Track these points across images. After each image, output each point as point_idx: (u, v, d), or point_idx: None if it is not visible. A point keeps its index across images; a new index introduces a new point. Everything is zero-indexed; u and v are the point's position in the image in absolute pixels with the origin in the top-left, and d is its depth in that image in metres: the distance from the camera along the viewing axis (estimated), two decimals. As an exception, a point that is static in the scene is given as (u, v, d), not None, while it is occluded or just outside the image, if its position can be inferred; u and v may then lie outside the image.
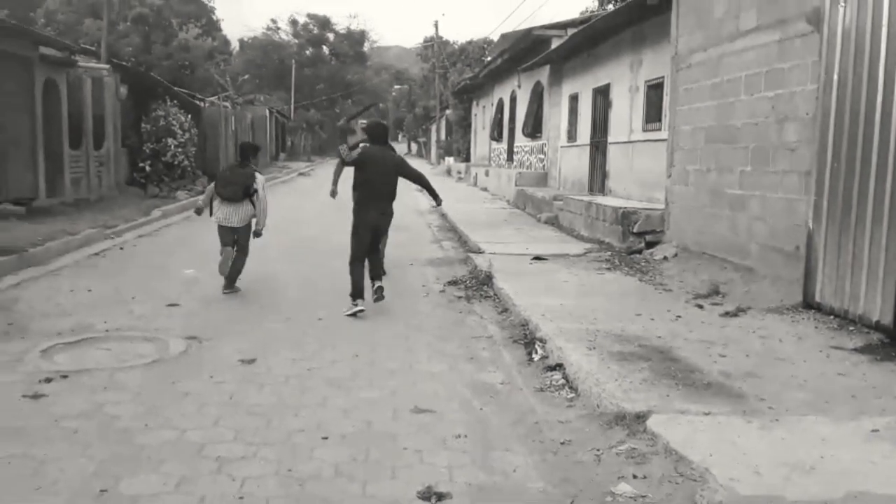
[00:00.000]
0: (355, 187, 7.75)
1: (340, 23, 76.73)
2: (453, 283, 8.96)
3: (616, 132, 14.78)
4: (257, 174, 8.37)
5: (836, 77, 6.47)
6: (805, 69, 7.12)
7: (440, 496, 3.52)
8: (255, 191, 8.21)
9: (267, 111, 41.28)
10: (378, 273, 7.88)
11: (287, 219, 12.84)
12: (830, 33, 6.56)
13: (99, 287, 8.29)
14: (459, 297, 8.23)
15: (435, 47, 52.99)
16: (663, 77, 11.97)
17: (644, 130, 13.19)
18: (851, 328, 6.14)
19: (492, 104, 28.49)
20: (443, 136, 49.30)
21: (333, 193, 9.18)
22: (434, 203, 8.74)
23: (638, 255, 10.12)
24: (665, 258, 9.55)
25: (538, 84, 20.90)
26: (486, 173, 26.01)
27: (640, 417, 4.23)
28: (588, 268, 9.49)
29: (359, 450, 4.03)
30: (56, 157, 14.98)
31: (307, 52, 72.54)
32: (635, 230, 10.70)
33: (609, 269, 9.42)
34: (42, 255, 9.82)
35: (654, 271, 9.07)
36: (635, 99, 13.64)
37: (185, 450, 3.98)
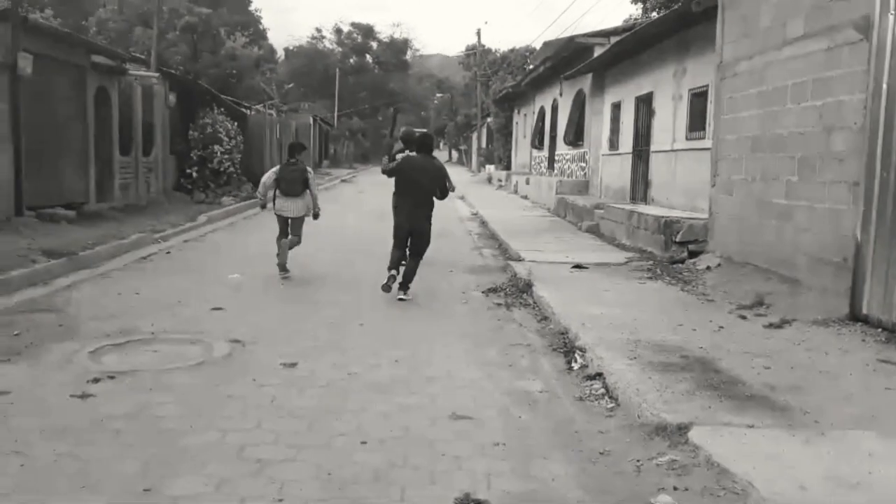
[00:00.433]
0: (397, 192, 8.72)
1: (384, 31, 77.05)
2: (493, 290, 8.96)
3: (659, 141, 14.65)
4: (308, 169, 9.66)
5: (885, 86, 6.34)
6: (853, 78, 6.98)
7: (478, 503, 3.52)
8: (309, 184, 9.53)
9: (311, 119, 41.76)
10: (407, 278, 8.41)
11: (330, 226, 12.97)
12: (880, 42, 6.43)
13: (146, 290, 8.47)
14: (499, 305, 8.23)
15: (477, 55, 53.06)
16: (707, 85, 11.84)
17: (687, 139, 13.05)
18: (901, 342, 6.00)
19: (533, 112, 28.45)
20: (483, 144, 49.34)
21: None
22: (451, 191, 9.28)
23: (680, 265, 10.01)
24: (708, 268, 9.43)
25: (580, 92, 20.82)
26: (527, 181, 25.96)
27: (682, 429, 4.19)
28: (629, 277, 9.42)
29: (398, 455, 4.06)
30: (106, 163, 15.36)
31: (351, 61, 73.29)
32: (678, 239, 10.58)
33: (651, 278, 9.33)
34: (92, 258, 10.07)
35: (697, 281, 8.96)
36: (679, 107, 13.51)
37: (227, 451, 4.05)
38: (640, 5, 28.65)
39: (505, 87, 35.68)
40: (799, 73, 7.94)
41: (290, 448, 4.11)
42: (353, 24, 74.56)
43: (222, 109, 22.02)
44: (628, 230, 12.72)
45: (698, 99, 12.61)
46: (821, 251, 7.48)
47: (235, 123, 22.13)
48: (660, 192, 14.46)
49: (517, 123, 34.47)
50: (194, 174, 20.50)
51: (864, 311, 6.56)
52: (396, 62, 74.97)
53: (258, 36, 46.13)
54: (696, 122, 12.67)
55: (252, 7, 51.18)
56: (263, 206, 10.04)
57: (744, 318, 7.11)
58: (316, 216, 9.77)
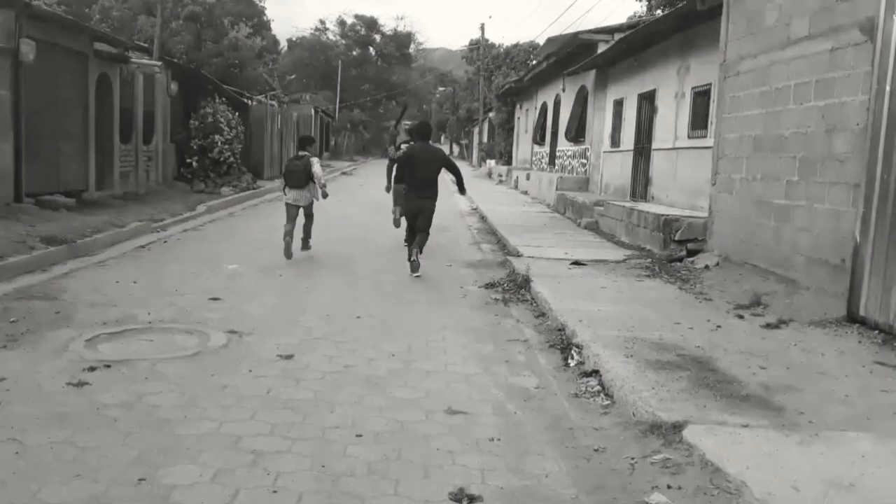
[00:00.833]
0: (400, 179, 10.11)
1: (387, 24, 76.76)
2: (491, 285, 8.96)
3: (660, 138, 14.63)
4: (312, 159, 10.35)
5: (888, 88, 6.32)
6: (856, 79, 6.97)
7: (472, 498, 3.52)
8: (313, 174, 10.21)
9: (312, 110, 41.70)
10: (419, 245, 9.53)
11: (330, 218, 12.95)
12: (884, 43, 6.41)
13: (144, 279, 8.47)
14: (497, 300, 8.23)
15: (480, 50, 52.93)
16: (710, 84, 11.83)
17: (689, 137, 13.04)
18: (897, 344, 6.01)
19: (535, 108, 28.41)
20: (485, 139, 49.27)
21: (388, 189, 12.12)
22: (459, 193, 11.06)
23: (679, 263, 10.01)
24: (706, 267, 9.43)
25: (583, 88, 20.79)
26: (527, 177, 25.94)
27: (677, 427, 4.19)
28: (627, 274, 9.42)
29: (392, 449, 4.06)
30: (107, 151, 15.32)
31: (354, 53, 73.07)
32: (677, 238, 10.58)
33: (649, 276, 9.33)
34: (90, 246, 10.07)
35: (695, 280, 8.96)
36: (681, 105, 13.49)
37: (222, 442, 4.05)
38: (644, 3, 28.62)
39: (507, 82, 35.59)
40: (802, 74, 7.93)
41: (285, 440, 4.11)
42: (356, 17, 74.32)
43: (224, 99, 21.97)
44: (628, 227, 12.72)
45: (701, 97, 12.60)
46: (819, 252, 7.48)
47: (237, 113, 22.09)
48: (660, 190, 14.45)
49: (519, 119, 34.44)
50: (194, 163, 20.46)
51: (862, 312, 6.56)
52: (399, 55, 74.77)
53: (262, 26, 45.95)
54: (699, 121, 12.66)
55: (256, -3, 51.02)
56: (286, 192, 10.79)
57: (741, 317, 7.12)
58: (325, 196, 10.44)
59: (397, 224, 11.49)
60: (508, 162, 36.45)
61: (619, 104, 17.77)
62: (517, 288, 8.68)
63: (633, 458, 3.98)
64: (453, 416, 4.63)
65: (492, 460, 3.98)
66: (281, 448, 4.01)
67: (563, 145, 22.96)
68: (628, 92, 16.99)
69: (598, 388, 5.19)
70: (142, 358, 5.51)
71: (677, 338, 6.21)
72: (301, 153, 10.50)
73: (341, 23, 74.24)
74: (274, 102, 31.90)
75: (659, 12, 24.69)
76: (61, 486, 3.50)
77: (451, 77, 76.07)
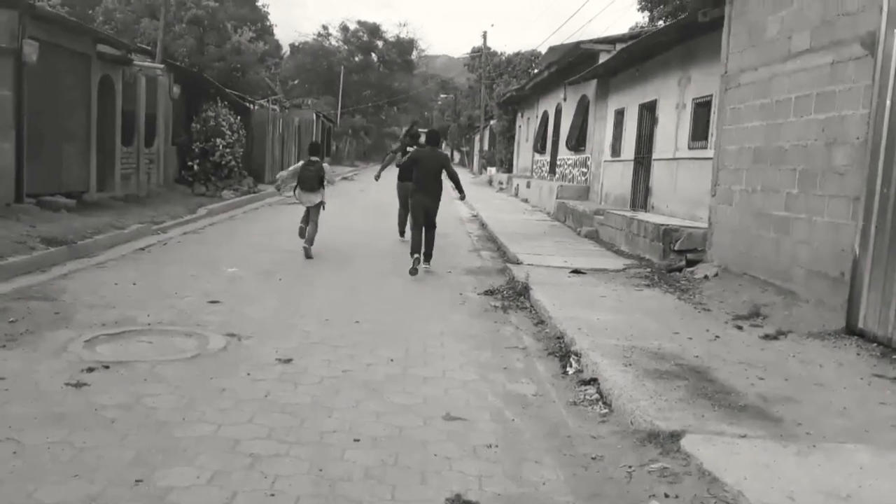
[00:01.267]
0: (405, 177, 11.91)
1: (390, 31, 76.98)
2: (490, 292, 8.97)
3: (661, 149, 14.66)
4: (324, 165, 11.54)
5: (888, 102, 6.34)
6: (857, 93, 7.00)
7: (468, 504, 3.53)
8: (324, 179, 11.40)
9: (314, 115, 41.73)
10: (428, 251, 10.45)
11: (332, 224, 12.95)
12: (885, 58, 6.44)
13: (143, 281, 8.47)
14: (496, 307, 8.23)
15: (482, 58, 53.04)
16: (711, 95, 11.86)
17: (690, 148, 13.06)
18: (895, 356, 6.01)
19: (536, 116, 28.46)
20: (486, 147, 49.33)
21: (377, 178, 14.19)
22: (459, 197, 11.89)
23: (678, 273, 10.02)
24: (706, 277, 9.44)
25: (584, 98, 20.84)
26: (528, 185, 25.97)
27: (674, 436, 4.20)
28: (627, 283, 9.43)
29: (389, 454, 4.06)
30: (108, 153, 15.36)
31: (356, 59, 73.27)
32: (676, 248, 10.59)
33: (648, 285, 9.34)
34: (90, 247, 10.08)
35: (694, 290, 8.97)
36: (682, 116, 13.52)
37: (220, 445, 4.05)
38: (646, 14, 28.68)
39: (509, 91, 35.67)
40: (803, 87, 7.96)
41: (283, 443, 4.12)
42: (359, 23, 74.57)
43: (226, 103, 22.03)
44: (627, 237, 12.73)
45: (702, 108, 12.63)
46: (818, 264, 7.50)
47: (238, 117, 22.13)
48: (660, 200, 14.47)
49: (520, 127, 34.49)
50: (196, 166, 20.50)
51: (860, 325, 6.56)
52: (401, 62, 74.98)
53: (265, 31, 46.08)
54: (699, 132, 12.68)
55: (260, 2, 51.11)
56: (279, 189, 12.11)
57: (740, 328, 7.12)
58: (322, 205, 11.53)
59: (402, 233, 12.72)
60: (509, 170, 36.50)
61: (620, 114, 17.81)
62: (516, 295, 8.69)
63: (630, 467, 3.99)
64: (451, 422, 4.63)
65: (489, 467, 3.99)
66: (278, 451, 4.01)
67: (564, 154, 22.99)
68: (629, 102, 17.02)
69: (597, 396, 5.19)
70: (140, 360, 5.51)
71: (676, 347, 6.21)
72: (313, 158, 11.52)
73: (344, 28, 74.52)
74: (276, 107, 31.91)
75: (661, 23, 24.76)
76: (58, 486, 3.50)
77: (453, 84, 76.28)
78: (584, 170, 20.63)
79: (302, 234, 11.46)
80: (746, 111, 9.25)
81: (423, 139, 12.31)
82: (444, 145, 79.14)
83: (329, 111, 57.03)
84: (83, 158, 14.40)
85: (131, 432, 4.15)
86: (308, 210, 11.45)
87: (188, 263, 9.94)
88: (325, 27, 79.17)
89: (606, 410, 4.93)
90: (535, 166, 28.79)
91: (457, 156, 75.59)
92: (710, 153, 11.02)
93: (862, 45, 6.92)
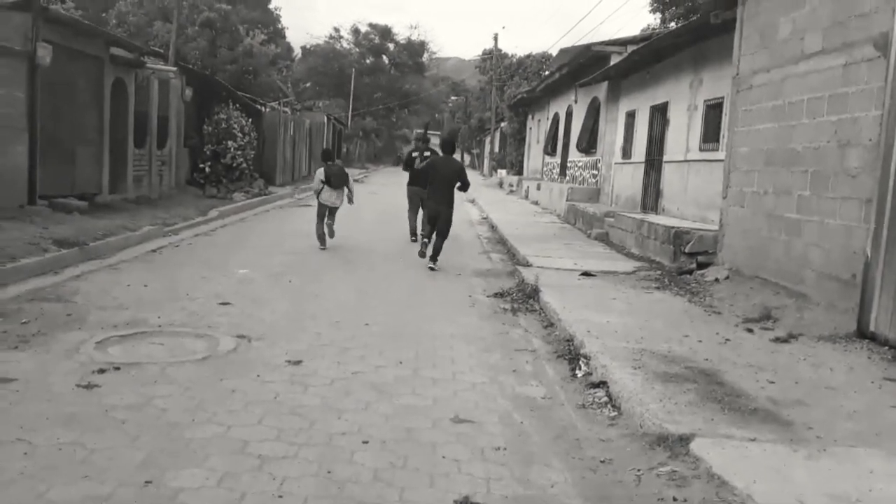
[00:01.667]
0: (415, 181, 12.96)
1: (401, 33, 77.23)
2: (500, 294, 8.96)
3: (672, 151, 14.62)
4: (346, 170, 12.57)
5: (901, 103, 6.31)
6: (870, 94, 6.96)
7: (476, 507, 3.53)
8: (349, 179, 12.39)
9: (325, 118, 41.85)
10: (435, 254, 10.70)
11: (343, 227, 12.96)
12: (898, 58, 6.40)
13: (155, 283, 8.52)
14: (505, 310, 8.23)
15: (493, 60, 53.06)
16: (723, 97, 11.82)
17: (701, 150, 13.02)
18: (908, 361, 5.97)
19: (547, 118, 28.43)
20: (496, 149, 49.32)
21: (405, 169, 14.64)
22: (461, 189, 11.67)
23: (688, 276, 9.98)
24: (716, 280, 9.40)
25: (595, 100, 20.80)
26: (538, 187, 25.94)
27: (684, 440, 4.18)
28: (637, 286, 9.40)
29: (398, 456, 4.07)
30: (121, 155, 15.44)
31: (367, 61, 73.44)
32: (687, 250, 10.55)
33: (658, 288, 9.31)
34: (102, 249, 10.14)
35: (705, 293, 8.93)
36: (693, 118, 13.48)
37: (230, 446, 4.07)
38: (658, 15, 28.62)
39: (520, 93, 35.62)
40: (815, 88, 7.92)
41: (292, 445, 4.13)
42: (370, 25, 74.78)
43: (237, 105, 22.11)
44: (638, 239, 12.70)
45: (713, 110, 12.59)
46: (830, 267, 7.45)
47: (250, 120, 22.22)
48: (671, 202, 14.42)
49: (531, 129, 34.46)
50: (207, 169, 20.59)
51: (872, 328, 6.52)
52: (412, 64, 75.09)
53: (276, 34, 46.25)
54: (711, 134, 12.64)
55: (272, 5, 51.30)
56: (317, 195, 12.37)
57: (750, 331, 7.09)
58: (350, 201, 12.51)
59: (413, 233, 13.23)
60: (519, 172, 36.47)
61: (630, 116, 17.77)
62: (526, 298, 8.68)
63: (639, 470, 3.98)
64: (460, 424, 4.63)
65: (497, 469, 3.98)
66: (287, 453, 4.02)
67: (575, 156, 22.95)
68: (640, 104, 16.98)
69: (606, 399, 5.18)
70: (151, 361, 5.54)
71: (686, 350, 6.19)
72: (329, 163, 12.33)
73: (355, 31, 74.73)
74: (287, 109, 32.01)
75: (672, 25, 24.70)
76: (68, 486, 3.52)
77: (464, 86, 76.30)
78: (595, 172, 20.59)
79: (322, 240, 12.08)
80: (758, 113, 9.22)
81: (432, 141, 12.28)
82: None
83: (340, 113, 57.16)
84: (96, 160, 14.49)
85: (142, 433, 4.17)
86: (328, 210, 12.09)
87: (199, 265, 9.99)
88: (336, 29, 79.50)
89: (615, 413, 4.91)
90: (545, 168, 28.76)
91: (467, 158, 75.63)
92: (721, 155, 10.98)
93: (874, 46, 6.88)
